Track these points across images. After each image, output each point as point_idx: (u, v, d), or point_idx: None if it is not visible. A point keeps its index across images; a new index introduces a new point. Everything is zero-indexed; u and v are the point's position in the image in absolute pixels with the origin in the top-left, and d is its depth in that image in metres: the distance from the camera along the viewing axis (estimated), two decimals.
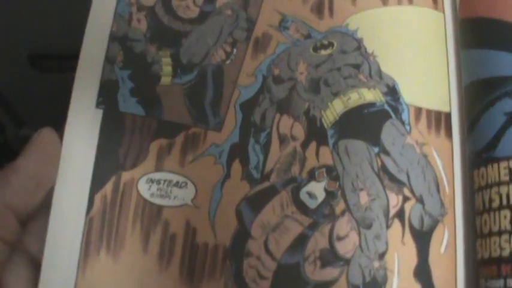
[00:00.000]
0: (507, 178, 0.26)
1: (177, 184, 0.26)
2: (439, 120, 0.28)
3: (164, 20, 0.28)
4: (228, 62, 0.27)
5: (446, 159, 0.28)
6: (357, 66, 0.28)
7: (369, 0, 0.30)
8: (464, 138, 0.28)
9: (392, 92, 0.28)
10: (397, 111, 0.28)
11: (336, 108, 0.27)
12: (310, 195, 0.26)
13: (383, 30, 0.29)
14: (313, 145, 0.27)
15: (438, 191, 0.27)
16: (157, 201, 0.26)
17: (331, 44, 0.29)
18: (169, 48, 0.27)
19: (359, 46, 0.29)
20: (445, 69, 0.29)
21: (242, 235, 0.26)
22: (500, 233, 0.26)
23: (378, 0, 0.30)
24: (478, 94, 0.28)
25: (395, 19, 0.30)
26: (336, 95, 0.28)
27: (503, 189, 0.26)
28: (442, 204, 0.27)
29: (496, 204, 0.26)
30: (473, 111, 0.28)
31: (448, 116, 0.28)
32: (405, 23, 0.30)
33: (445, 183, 0.28)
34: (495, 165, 0.27)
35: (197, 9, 0.28)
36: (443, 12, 0.30)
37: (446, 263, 0.26)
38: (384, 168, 0.27)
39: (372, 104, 0.28)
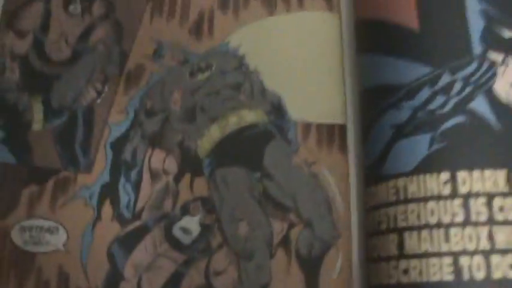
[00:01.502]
0: (394, 198, 0.23)
1: (48, 230, 0.25)
2: (332, 134, 0.26)
3: (37, 65, 0.28)
4: (98, 100, 0.27)
5: (340, 176, 0.25)
6: (238, 86, 0.26)
7: (254, 12, 0.28)
8: (360, 152, 0.26)
9: (277, 109, 0.26)
10: (282, 130, 0.26)
11: (212, 135, 0.26)
12: (184, 230, 0.24)
13: (268, 43, 0.27)
14: (187, 177, 0.25)
15: (330, 212, 0.25)
16: (31, 248, 0.25)
17: (209, 66, 0.27)
18: (40, 93, 0.27)
19: (240, 64, 0.27)
20: (341, 77, 0.27)
21: (114, 277, 0.24)
22: (388, 259, 0.23)
23: (263, 10, 0.28)
24: (369, 103, 0.26)
25: (283, 29, 0.27)
26: (213, 120, 0.26)
27: (391, 211, 0.23)
28: (335, 227, 0.25)
29: (384, 226, 0.23)
30: (365, 122, 0.26)
31: (343, 128, 0.26)
32: (294, 31, 0.27)
33: (339, 203, 0.25)
34: (383, 184, 0.24)
35: (69, 49, 0.28)
36: (339, 14, 0.28)
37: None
38: (266, 194, 0.25)
39: (253, 126, 0.26)
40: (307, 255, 0.24)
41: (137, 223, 0.25)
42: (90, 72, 0.27)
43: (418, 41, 0.26)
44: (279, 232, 0.24)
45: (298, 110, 0.26)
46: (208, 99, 0.26)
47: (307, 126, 0.26)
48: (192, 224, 0.24)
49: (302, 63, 0.27)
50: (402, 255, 0.22)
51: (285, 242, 0.24)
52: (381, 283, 0.22)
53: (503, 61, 0.24)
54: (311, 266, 0.24)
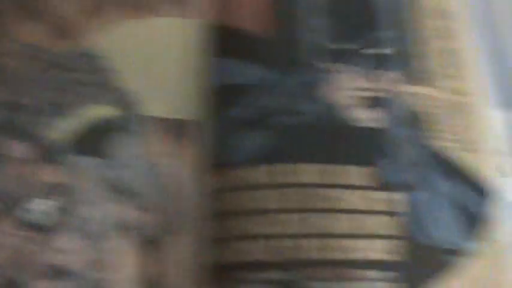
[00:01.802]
0: (235, 185, 0.27)
1: None
2: (181, 128, 0.29)
3: None
4: None
5: (188, 167, 0.29)
6: (95, 84, 0.29)
7: (113, 14, 0.31)
8: (206, 145, 0.29)
9: (131, 105, 0.29)
10: (131, 124, 0.29)
11: (68, 127, 0.28)
12: (36, 211, 0.27)
13: (129, 45, 0.30)
14: (42, 164, 0.28)
15: (175, 199, 0.28)
16: None
17: (68, 66, 0.29)
18: None
19: (99, 65, 0.30)
20: (193, 77, 0.30)
21: None
22: (237, 239, 0.27)
23: (123, 12, 0.31)
24: (215, 101, 0.29)
25: (142, 33, 0.30)
26: (69, 114, 0.28)
27: (234, 196, 0.27)
28: (180, 212, 0.28)
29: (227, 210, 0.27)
30: (212, 117, 0.29)
31: (192, 123, 0.29)
32: (152, 34, 0.31)
33: (185, 191, 0.28)
34: (228, 173, 0.28)
35: None
36: (193, 20, 0.31)
37: (180, 270, 0.27)
38: (114, 182, 0.28)
39: (106, 120, 0.29)
40: (150, 238, 0.27)
41: None
42: None
43: (262, 47, 0.30)
44: (120, 217, 0.27)
45: (151, 106, 0.29)
46: (66, 95, 0.28)
47: (157, 121, 0.29)
48: (45, 205, 0.26)
49: (157, 64, 0.30)
50: (245, 236, 0.26)
51: (125, 226, 0.27)
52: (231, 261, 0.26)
53: (331, 69, 0.29)
54: (152, 248, 0.27)
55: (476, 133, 0.30)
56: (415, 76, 0.30)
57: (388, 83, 0.29)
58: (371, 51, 0.30)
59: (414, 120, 0.29)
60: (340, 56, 0.31)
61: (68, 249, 0.26)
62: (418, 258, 0.27)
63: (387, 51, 0.30)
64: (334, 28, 0.31)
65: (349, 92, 0.28)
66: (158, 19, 0.31)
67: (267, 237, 0.26)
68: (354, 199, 0.27)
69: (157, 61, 0.30)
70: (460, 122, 0.30)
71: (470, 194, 0.28)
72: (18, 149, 0.27)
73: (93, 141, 0.28)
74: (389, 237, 0.27)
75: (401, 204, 0.27)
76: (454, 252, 0.27)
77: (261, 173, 0.27)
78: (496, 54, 0.36)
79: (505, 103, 0.35)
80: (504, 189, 0.31)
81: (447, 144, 0.29)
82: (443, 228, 0.28)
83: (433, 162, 0.28)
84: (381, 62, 0.30)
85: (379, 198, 0.27)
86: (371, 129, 0.29)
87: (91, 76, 0.29)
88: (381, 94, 0.29)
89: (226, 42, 0.30)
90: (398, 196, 0.28)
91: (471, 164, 0.29)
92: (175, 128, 0.29)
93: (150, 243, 0.27)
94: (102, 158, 0.27)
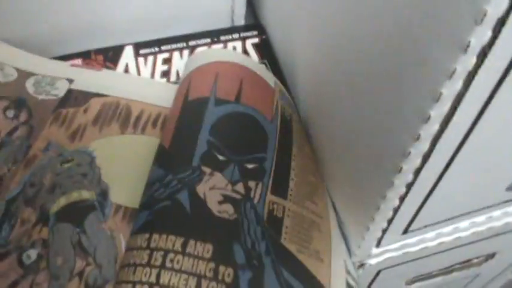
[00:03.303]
0: (139, 245, 0.39)
1: None
2: (133, 215, 0.41)
3: None
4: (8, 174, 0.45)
5: (125, 239, 0.41)
6: (85, 175, 0.43)
7: (111, 130, 0.45)
8: None
9: (104, 194, 0.43)
10: (102, 206, 0.42)
11: (60, 202, 0.42)
12: (28, 256, 0.40)
13: (111, 151, 0.44)
14: (39, 225, 0.42)
15: (116, 262, 0.40)
16: None
17: (72, 160, 0.44)
18: None
19: (91, 162, 0.44)
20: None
21: None
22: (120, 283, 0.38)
23: (118, 129, 0.45)
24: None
25: (125, 143, 0.45)
26: (63, 193, 0.42)
27: (139, 254, 0.38)
28: (116, 272, 0.39)
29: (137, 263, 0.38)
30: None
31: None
32: (129, 146, 0.45)
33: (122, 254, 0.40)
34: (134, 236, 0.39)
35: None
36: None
37: None
38: (79, 242, 0.40)
39: (86, 200, 0.42)
40: (92, 285, 0.39)
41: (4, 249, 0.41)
42: (6, 157, 0.45)
43: (166, 156, 0.43)
44: (79, 267, 0.39)
45: (118, 195, 0.42)
46: (65, 180, 0.43)
47: (118, 207, 0.42)
48: (33, 253, 0.40)
49: (127, 169, 0.44)
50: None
51: (81, 273, 0.39)
52: None
53: (210, 173, 0.39)
54: None
55: (321, 245, 0.38)
56: (277, 189, 0.39)
57: (249, 189, 0.40)
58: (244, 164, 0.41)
59: (269, 222, 0.38)
60: (218, 165, 0.41)
61: (41, 284, 0.39)
62: None
63: (255, 166, 0.40)
64: (217, 145, 0.43)
65: (218, 190, 0.40)
66: (138, 136, 0.44)
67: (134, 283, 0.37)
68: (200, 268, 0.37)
69: (127, 164, 0.43)
70: (307, 232, 0.38)
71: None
72: (27, 213, 0.42)
73: (73, 214, 0.41)
74: None
75: (237, 279, 0.37)
76: None
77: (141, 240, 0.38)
78: None
79: None
80: None
81: (293, 245, 0.37)
82: None
83: (276, 252, 0.37)
84: (247, 174, 0.40)
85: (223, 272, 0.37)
86: (226, 220, 0.39)
87: (85, 168, 0.43)
88: (238, 196, 0.40)
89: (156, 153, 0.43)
90: (238, 273, 0.37)
91: (309, 267, 0.37)
92: (129, 215, 0.41)
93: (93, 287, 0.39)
94: (76, 226, 0.41)
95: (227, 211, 0.39)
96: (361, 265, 0.46)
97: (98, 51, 0.58)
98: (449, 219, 0.46)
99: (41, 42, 0.57)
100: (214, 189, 0.40)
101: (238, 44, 0.60)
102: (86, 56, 0.58)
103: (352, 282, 0.43)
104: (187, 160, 0.41)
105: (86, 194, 0.42)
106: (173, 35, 0.61)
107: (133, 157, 0.44)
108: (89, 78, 0.51)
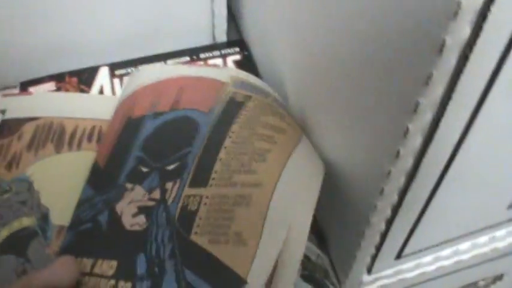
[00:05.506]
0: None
1: None
2: None
3: None
4: None
5: None
6: (24, 202, 0.41)
7: (46, 151, 0.44)
8: None
9: (44, 217, 0.41)
10: (44, 231, 0.40)
11: (2, 234, 0.40)
12: None
13: (48, 173, 0.43)
14: None
15: None
16: None
17: (10, 189, 0.42)
18: None
19: (29, 187, 0.42)
20: None
21: None
22: None
23: (53, 149, 0.44)
24: None
25: (61, 163, 0.43)
26: (4, 225, 0.40)
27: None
28: None
29: None
30: None
31: None
32: (66, 165, 0.43)
33: None
34: None
35: None
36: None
37: None
38: (24, 271, 0.38)
39: (27, 228, 0.40)
40: None
41: None
42: None
43: (98, 174, 0.42)
44: None
45: (58, 217, 0.41)
46: (5, 210, 0.41)
47: (61, 228, 0.40)
48: None
49: (68, 189, 0.42)
50: None
51: None
52: None
53: (131, 188, 0.39)
54: None
55: (246, 224, 0.34)
56: (197, 178, 0.38)
57: (165, 191, 0.38)
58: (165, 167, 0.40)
59: (180, 220, 0.36)
60: (141, 177, 0.40)
61: None
62: None
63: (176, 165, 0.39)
64: (144, 158, 0.41)
65: (135, 203, 0.38)
66: (75, 153, 0.43)
67: None
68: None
69: (65, 184, 0.42)
70: (228, 215, 0.35)
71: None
72: None
73: (16, 244, 0.39)
74: None
75: None
76: None
77: None
78: None
79: None
80: None
81: (205, 237, 0.34)
82: None
83: (182, 253, 0.35)
84: (166, 176, 0.39)
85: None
86: (135, 231, 0.37)
87: (23, 195, 0.41)
88: (152, 203, 0.38)
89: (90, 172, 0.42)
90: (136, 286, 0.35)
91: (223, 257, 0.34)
92: None
93: None
94: (20, 256, 0.38)
95: (138, 223, 0.38)
96: None
97: (72, 74, 0.55)
98: (447, 242, 0.42)
99: (11, 67, 0.55)
100: (132, 203, 0.39)
101: (219, 61, 0.57)
102: (59, 79, 0.55)
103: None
104: (114, 179, 0.41)
105: (27, 221, 0.40)
106: (153, 53, 0.58)
107: (71, 175, 0.43)
108: (21, 105, 0.49)
